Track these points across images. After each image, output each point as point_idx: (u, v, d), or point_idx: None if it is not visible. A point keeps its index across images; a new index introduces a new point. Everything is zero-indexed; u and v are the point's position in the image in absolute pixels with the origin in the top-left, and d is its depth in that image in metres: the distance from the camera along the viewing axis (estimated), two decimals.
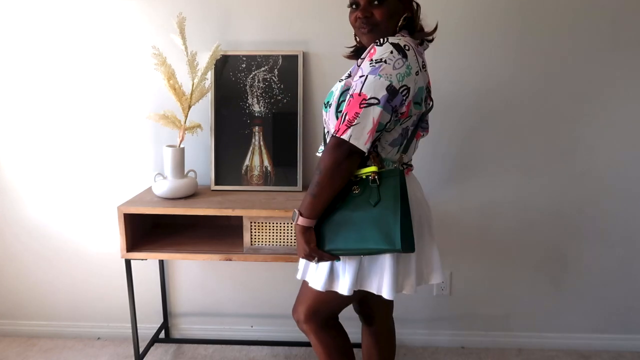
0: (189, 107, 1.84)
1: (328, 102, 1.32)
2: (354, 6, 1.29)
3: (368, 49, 1.23)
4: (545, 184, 2.02)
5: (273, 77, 1.95)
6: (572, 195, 2.03)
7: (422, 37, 1.30)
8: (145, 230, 1.92)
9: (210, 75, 1.93)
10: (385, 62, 1.16)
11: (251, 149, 1.97)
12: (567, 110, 1.96)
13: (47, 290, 2.23)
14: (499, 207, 2.05)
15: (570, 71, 1.92)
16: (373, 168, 1.22)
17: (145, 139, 2.06)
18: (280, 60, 1.94)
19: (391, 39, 1.20)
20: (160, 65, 1.76)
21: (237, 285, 2.18)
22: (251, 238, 1.73)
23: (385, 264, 1.27)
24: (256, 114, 1.96)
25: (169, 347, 2.20)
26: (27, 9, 1.96)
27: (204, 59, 1.84)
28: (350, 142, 1.15)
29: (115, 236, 2.09)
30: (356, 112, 1.15)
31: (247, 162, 1.97)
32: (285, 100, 1.94)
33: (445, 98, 1.94)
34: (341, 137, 1.16)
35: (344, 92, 1.25)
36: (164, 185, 1.80)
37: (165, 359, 2.12)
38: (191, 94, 1.83)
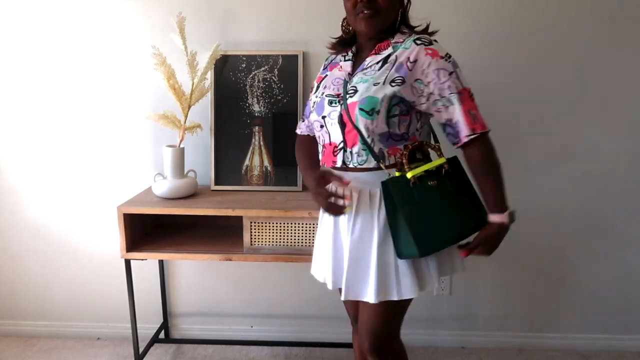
0: (189, 107, 1.84)
1: (373, 109, 1.21)
2: None
3: (412, 52, 1.21)
4: (545, 184, 2.02)
5: (273, 77, 1.95)
6: (572, 195, 2.03)
7: (421, 33, 1.30)
8: (145, 230, 1.92)
9: (210, 75, 1.93)
10: (450, 55, 1.22)
11: (251, 149, 1.96)
12: (567, 110, 1.96)
13: (47, 290, 2.22)
14: None
15: (570, 71, 1.92)
16: (441, 160, 1.26)
17: (145, 139, 2.06)
18: (280, 60, 1.94)
19: (425, 37, 1.24)
20: (160, 65, 1.76)
21: (237, 285, 2.18)
22: (251, 238, 1.72)
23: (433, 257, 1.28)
24: (256, 114, 1.96)
25: (168, 347, 2.20)
26: (27, 9, 1.96)
27: (204, 59, 1.83)
28: (488, 129, 1.24)
29: (115, 236, 2.09)
30: (474, 105, 1.22)
31: (247, 162, 1.97)
32: (285, 100, 1.94)
33: None
34: (484, 131, 1.22)
35: (393, 97, 1.20)
36: (164, 185, 1.80)
37: (165, 359, 2.12)
38: (191, 94, 1.83)
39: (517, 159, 2.00)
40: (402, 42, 1.25)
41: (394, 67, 1.22)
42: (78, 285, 2.21)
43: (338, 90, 1.30)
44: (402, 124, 1.23)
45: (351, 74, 1.31)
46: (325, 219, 1.37)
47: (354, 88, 1.25)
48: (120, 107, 2.03)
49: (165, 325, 2.21)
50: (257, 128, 1.96)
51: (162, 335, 2.20)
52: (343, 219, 1.29)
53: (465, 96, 1.21)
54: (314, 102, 1.35)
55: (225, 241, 1.83)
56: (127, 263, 1.80)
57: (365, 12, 1.22)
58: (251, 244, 1.73)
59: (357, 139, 1.24)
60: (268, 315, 2.22)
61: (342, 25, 1.38)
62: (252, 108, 1.96)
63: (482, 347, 2.18)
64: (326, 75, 1.38)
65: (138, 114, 2.02)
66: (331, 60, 1.43)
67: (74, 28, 1.97)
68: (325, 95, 1.32)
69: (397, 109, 1.21)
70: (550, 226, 2.06)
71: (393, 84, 1.21)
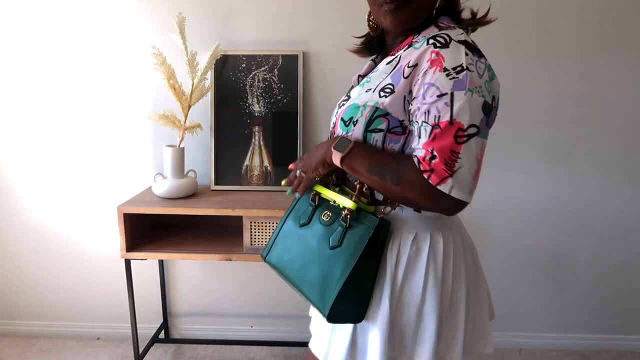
0: (189, 106, 1.84)
1: (352, 118, 0.96)
2: None
3: (417, 53, 0.90)
4: (545, 184, 2.02)
5: (273, 77, 1.95)
6: (572, 195, 2.03)
7: (475, 24, 0.98)
8: (145, 230, 1.92)
9: (210, 75, 1.93)
10: (468, 69, 0.85)
11: (251, 148, 1.96)
12: (567, 110, 1.96)
13: (47, 290, 2.22)
14: (499, 207, 2.05)
15: (570, 71, 1.92)
16: (351, 204, 0.96)
17: (145, 139, 2.06)
18: (280, 60, 1.94)
19: (454, 36, 0.89)
20: (160, 65, 1.76)
21: (237, 285, 2.18)
22: (251, 238, 1.72)
23: (426, 329, 0.98)
24: (256, 114, 1.96)
25: (168, 347, 2.20)
26: (27, 9, 1.96)
27: (204, 59, 1.83)
28: (453, 195, 0.85)
29: (115, 236, 2.09)
30: (453, 151, 0.83)
31: (247, 162, 1.97)
32: (285, 100, 1.94)
33: None
34: (439, 188, 0.85)
35: (377, 109, 0.93)
36: (164, 185, 1.80)
37: (165, 359, 2.12)
38: (191, 94, 1.83)
39: (517, 159, 2.01)
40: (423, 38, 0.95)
41: (392, 72, 0.95)
42: (78, 285, 2.21)
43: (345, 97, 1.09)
44: (390, 144, 0.94)
45: (362, 77, 1.08)
46: None
47: (350, 95, 1.05)
48: (120, 107, 2.03)
49: (165, 325, 2.21)
50: (257, 128, 1.96)
51: (162, 335, 2.20)
52: None
53: (446, 133, 0.83)
54: None
55: (225, 241, 1.83)
56: (127, 263, 1.80)
57: (390, 3, 0.93)
58: (251, 244, 1.73)
59: None
60: (268, 315, 2.21)
61: (368, 20, 1.08)
62: (252, 108, 1.96)
63: None
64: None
65: (138, 114, 2.02)
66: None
67: (74, 28, 1.97)
68: (339, 102, 1.10)
69: (384, 123, 0.92)
70: (550, 226, 2.06)
71: (381, 94, 0.93)
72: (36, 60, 2.00)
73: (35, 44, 1.99)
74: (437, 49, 0.87)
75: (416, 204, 0.93)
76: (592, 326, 2.15)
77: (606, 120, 1.96)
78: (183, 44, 1.78)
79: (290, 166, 1.12)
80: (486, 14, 0.98)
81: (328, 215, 1.00)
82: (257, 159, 1.96)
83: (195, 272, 2.18)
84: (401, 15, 0.94)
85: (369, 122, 0.93)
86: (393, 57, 0.99)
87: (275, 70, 1.94)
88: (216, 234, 1.90)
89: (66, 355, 2.14)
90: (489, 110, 0.87)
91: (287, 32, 1.94)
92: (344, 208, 0.97)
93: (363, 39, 1.13)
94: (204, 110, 1.95)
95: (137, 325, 1.89)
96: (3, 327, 2.27)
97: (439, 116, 0.84)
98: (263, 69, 1.94)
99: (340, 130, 0.99)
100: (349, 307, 0.95)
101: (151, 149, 2.06)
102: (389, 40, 1.06)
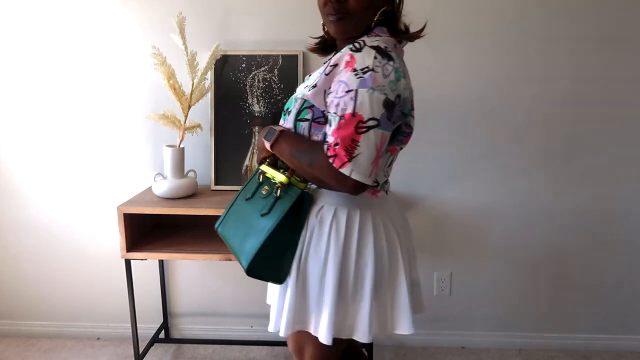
0: (189, 107, 1.84)
1: (288, 109, 1.15)
2: None
3: (340, 55, 1.05)
4: (545, 184, 2.02)
5: (273, 77, 1.95)
6: (572, 195, 2.03)
7: (405, 38, 1.12)
8: (145, 230, 1.92)
9: (210, 75, 1.93)
10: (373, 70, 0.99)
11: (251, 149, 1.96)
12: (567, 110, 1.96)
13: (47, 290, 2.22)
14: (499, 207, 2.05)
15: (570, 71, 1.92)
16: (284, 179, 1.11)
17: (145, 139, 2.06)
18: (280, 60, 1.94)
19: (368, 42, 1.03)
20: (160, 65, 1.76)
21: (237, 285, 2.18)
22: None
23: (326, 299, 1.09)
24: (256, 114, 1.96)
25: (168, 347, 2.20)
26: (27, 9, 1.96)
27: (204, 59, 1.83)
28: (353, 177, 1.00)
29: (115, 236, 2.09)
30: (353, 140, 0.98)
31: (247, 162, 1.97)
32: (285, 100, 1.94)
33: (445, 98, 1.94)
34: (341, 171, 1.00)
35: (305, 101, 1.09)
36: (164, 185, 1.80)
37: (165, 359, 2.12)
38: (191, 94, 1.83)
39: (517, 159, 2.01)
40: None
41: (323, 71, 1.10)
42: (78, 285, 2.21)
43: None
44: (315, 132, 1.09)
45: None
46: None
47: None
48: (120, 107, 2.03)
49: (165, 325, 2.21)
50: (257, 128, 1.96)
51: (162, 335, 2.20)
52: None
53: (348, 124, 0.98)
54: None
55: None
56: (127, 263, 1.80)
57: (332, 15, 1.07)
58: None
59: None
60: (268, 315, 2.20)
61: (323, 26, 1.22)
62: (252, 108, 1.96)
63: (482, 347, 2.18)
64: None
65: (138, 114, 2.02)
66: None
67: (75, 28, 1.97)
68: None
69: (309, 114, 1.08)
70: (550, 226, 2.06)
71: (307, 88, 1.11)
72: (37, 61, 2.00)
73: (36, 45, 1.99)
74: (352, 52, 1.02)
75: (325, 184, 1.09)
76: (592, 326, 2.15)
77: (606, 120, 1.96)
78: (183, 44, 1.78)
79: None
80: (422, 30, 1.13)
81: (266, 189, 1.14)
82: (257, 159, 1.96)
83: (195, 272, 2.18)
84: (342, 25, 1.08)
85: (298, 113, 1.10)
86: (329, 58, 1.15)
87: (275, 70, 1.94)
88: (216, 234, 1.90)
89: (66, 355, 2.14)
90: (391, 106, 1.00)
91: (287, 32, 1.94)
92: (276, 183, 1.12)
93: (318, 40, 1.28)
94: (204, 110, 1.95)
95: (137, 325, 1.89)
96: (3, 327, 2.27)
97: (345, 109, 0.99)
98: (263, 69, 1.94)
99: (281, 120, 1.18)
100: (267, 265, 1.10)
101: (151, 149, 2.06)
102: (338, 44, 1.18)
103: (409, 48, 1.17)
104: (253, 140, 1.96)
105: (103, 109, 2.04)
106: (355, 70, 1.00)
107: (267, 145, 1.15)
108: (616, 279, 2.10)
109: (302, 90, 1.14)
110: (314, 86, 1.08)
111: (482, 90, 1.95)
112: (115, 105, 2.03)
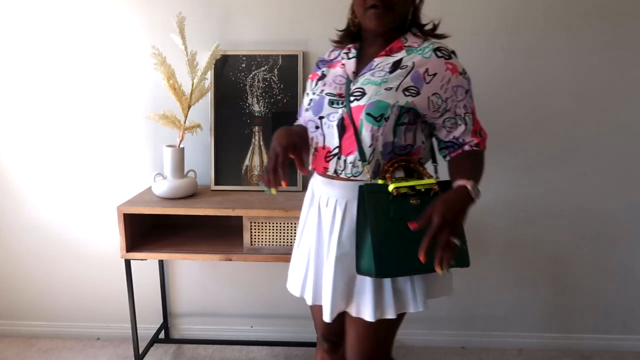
0: (189, 106, 1.84)
1: (383, 115, 1.13)
2: None
3: (435, 64, 1.14)
4: (545, 184, 2.02)
5: (273, 77, 1.95)
6: (572, 195, 2.03)
7: (434, 37, 1.22)
8: (145, 230, 1.92)
9: (210, 75, 1.93)
10: (465, 70, 1.19)
11: (251, 148, 1.96)
12: (567, 110, 1.96)
13: (46, 290, 2.22)
14: (499, 207, 2.05)
15: (570, 71, 1.92)
16: (432, 180, 1.16)
17: (145, 139, 2.06)
18: (280, 60, 1.94)
19: (449, 48, 1.18)
20: (159, 65, 1.76)
21: (237, 285, 2.18)
22: (251, 238, 1.72)
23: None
24: (256, 114, 1.96)
25: (168, 347, 2.20)
26: (27, 9, 1.96)
27: (204, 59, 1.83)
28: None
29: (114, 236, 2.09)
30: (481, 125, 1.22)
31: (247, 162, 1.97)
32: (285, 100, 1.94)
33: None
34: (484, 150, 1.22)
35: (405, 105, 1.14)
36: (164, 185, 1.80)
37: (165, 359, 2.12)
38: (191, 94, 1.83)
39: (517, 159, 2.01)
40: (418, 47, 1.17)
41: (409, 75, 1.14)
42: (78, 285, 2.21)
43: (340, 90, 1.20)
44: (407, 134, 1.17)
45: (356, 74, 1.21)
46: (307, 231, 1.31)
47: (361, 90, 1.16)
48: (120, 107, 2.03)
49: (165, 326, 2.21)
50: (257, 128, 1.96)
51: (162, 335, 2.20)
52: (327, 230, 1.23)
53: (475, 116, 1.21)
54: (311, 100, 1.25)
55: (225, 241, 1.83)
56: (127, 263, 1.80)
57: (378, 7, 1.12)
58: (251, 244, 1.73)
59: (354, 147, 1.15)
60: (268, 315, 2.21)
61: (348, 18, 1.26)
62: (252, 108, 1.96)
63: (482, 347, 2.18)
64: (323, 73, 1.28)
65: (138, 114, 2.02)
66: (325, 59, 1.33)
67: (74, 28, 1.97)
68: (326, 94, 1.21)
69: (407, 117, 1.15)
70: (550, 226, 2.06)
71: (407, 93, 1.13)
72: (37, 61, 2.00)
73: (36, 44, 1.99)
74: (448, 60, 1.15)
75: (480, 163, 1.21)
76: (592, 326, 2.15)
77: (606, 120, 1.96)
78: (183, 44, 1.78)
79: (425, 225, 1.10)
80: (434, 29, 1.23)
81: (416, 200, 1.13)
82: (257, 159, 1.96)
83: (195, 272, 2.18)
84: (384, 18, 1.14)
85: (398, 118, 1.14)
86: (396, 59, 1.17)
87: (275, 70, 1.94)
88: (216, 234, 1.90)
89: (66, 356, 2.14)
90: None
91: (287, 32, 1.94)
92: (431, 188, 1.14)
93: (343, 32, 1.30)
94: (204, 110, 1.95)
95: (137, 326, 1.89)
96: (3, 327, 2.27)
97: (471, 105, 1.19)
98: (263, 69, 1.94)
99: (367, 124, 1.13)
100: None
101: (151, 149, 2.06)
102: (367, 37, 1.24)
103: None
104: (253, 140, 1.96)
105: (103, 109, 2.04)
106: (461, 73, 1.16)
107: (477, 198, 1.09)
108: (616, 279, 2.10)
109: (389, 93, 1.13)
110: (416, 92, 1.14)
111: (482, 90, 1.95)
112: (115, 105, 2.03)
